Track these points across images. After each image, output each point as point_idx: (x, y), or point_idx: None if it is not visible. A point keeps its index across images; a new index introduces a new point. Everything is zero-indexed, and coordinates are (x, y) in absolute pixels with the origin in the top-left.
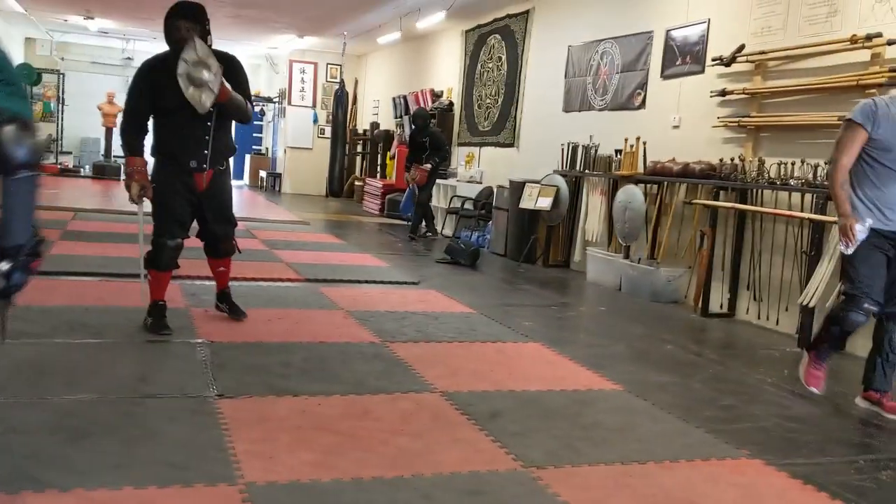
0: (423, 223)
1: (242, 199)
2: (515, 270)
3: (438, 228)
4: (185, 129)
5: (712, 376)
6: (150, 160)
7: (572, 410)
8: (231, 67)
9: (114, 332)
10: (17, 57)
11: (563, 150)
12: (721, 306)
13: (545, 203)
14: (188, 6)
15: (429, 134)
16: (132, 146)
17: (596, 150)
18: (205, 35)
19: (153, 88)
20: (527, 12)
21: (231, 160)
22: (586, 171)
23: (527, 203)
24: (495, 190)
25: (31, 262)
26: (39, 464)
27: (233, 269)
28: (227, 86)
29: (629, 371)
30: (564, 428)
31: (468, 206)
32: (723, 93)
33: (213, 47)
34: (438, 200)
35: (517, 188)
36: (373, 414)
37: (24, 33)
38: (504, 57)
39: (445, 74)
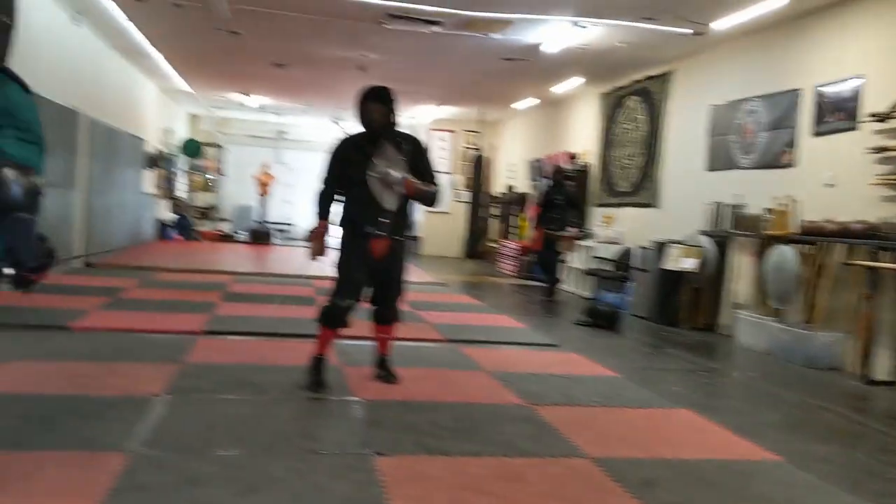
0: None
1: None
2: (659, 333)
3: (576, 290)
4: (370, 200)
5: (879, 447)
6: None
7: (730, 481)
8: (417, 150)
9: (276, 389)
10: (182, 131)
11: (707, 209)
12: (886, 373)
13: (689, 264)
14: (380, 91)
15: (565, 192)
16: (322, 211)
17: (743, 210)
18: (392, 115)
19: (347, 162)
20: (666, 74)
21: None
22: (733, 230)
23: (670, 264)
24: (635, 251)
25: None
26: None
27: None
28: (413, 181)
29: (787, 440)
30: (724, 500)
31: (607, 267)
32: (881, 149)
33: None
34: (576, 262)
35: (659, 249)
36: (525, 478)
37: (189, 110)
38: (643, 118)
39: (582, 136)
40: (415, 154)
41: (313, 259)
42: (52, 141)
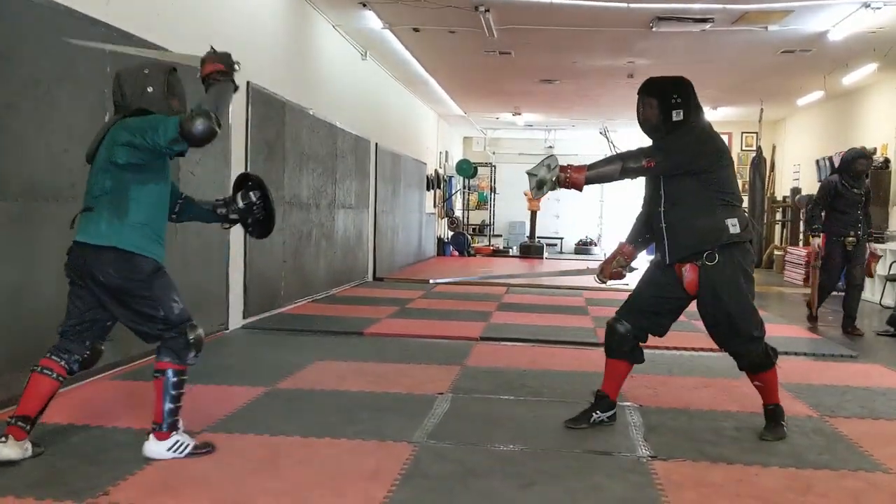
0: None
1: None
2: None
3: (877, 298)
4: (649, 218)
5: None
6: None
7: None
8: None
9: (549, 392)
10: (457, 153)
11: None
12: None
13: None
14: (649, 83)
15: (864, 186)
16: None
17: None
18: (668, 109)
19: None
20: None
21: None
22: None
23: None
24: None
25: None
26: None
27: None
28: (574, 175)
29: None
30: None
31: None
32: None
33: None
34: (875, 267)
35: None
36: (817, 490)
37: (463, 133)
38: None
39: (878, 130)
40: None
41: (599, 281)
42: (351, 168)
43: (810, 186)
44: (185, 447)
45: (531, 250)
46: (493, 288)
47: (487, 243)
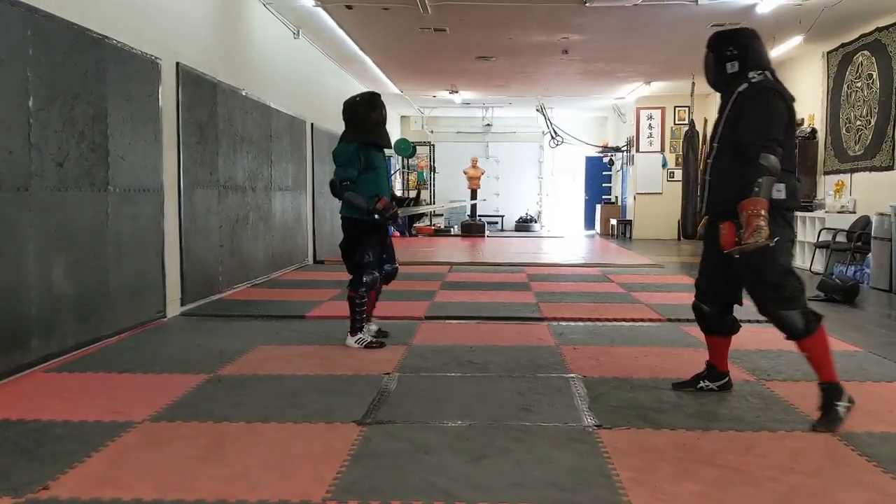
0: None
1: (595, 247)
2: None
3: (806, 265)
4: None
5: None
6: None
7: None
8: (742, 107)
9: (496, 367)
10: (395, 133)
11: None
12: None
13: None
14: (711, 37)
15: None
16: None
17: None
18: (722, 62)
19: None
20: None
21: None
22: None
23: None
24: (873, 219)
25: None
26: (447, 480)
27: (590, 310)
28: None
29: None
30: None
31: (840, 238)
32: None
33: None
34: (804, 235)
35: None
36: (756, 450)
37: (400, 112)
38: (875, 74)
39: (805, 101)
40: (740, 113)
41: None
42: (287, 149)
43: None
44: (364, 342)
45: (473, 229)
46: (437, 266)
47: (429, 223)
